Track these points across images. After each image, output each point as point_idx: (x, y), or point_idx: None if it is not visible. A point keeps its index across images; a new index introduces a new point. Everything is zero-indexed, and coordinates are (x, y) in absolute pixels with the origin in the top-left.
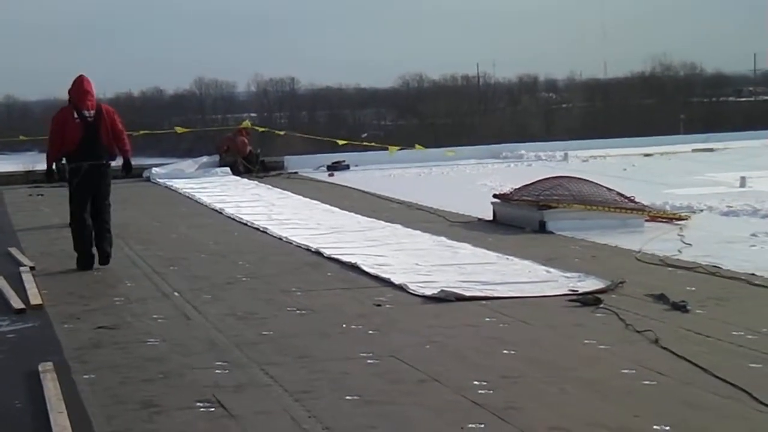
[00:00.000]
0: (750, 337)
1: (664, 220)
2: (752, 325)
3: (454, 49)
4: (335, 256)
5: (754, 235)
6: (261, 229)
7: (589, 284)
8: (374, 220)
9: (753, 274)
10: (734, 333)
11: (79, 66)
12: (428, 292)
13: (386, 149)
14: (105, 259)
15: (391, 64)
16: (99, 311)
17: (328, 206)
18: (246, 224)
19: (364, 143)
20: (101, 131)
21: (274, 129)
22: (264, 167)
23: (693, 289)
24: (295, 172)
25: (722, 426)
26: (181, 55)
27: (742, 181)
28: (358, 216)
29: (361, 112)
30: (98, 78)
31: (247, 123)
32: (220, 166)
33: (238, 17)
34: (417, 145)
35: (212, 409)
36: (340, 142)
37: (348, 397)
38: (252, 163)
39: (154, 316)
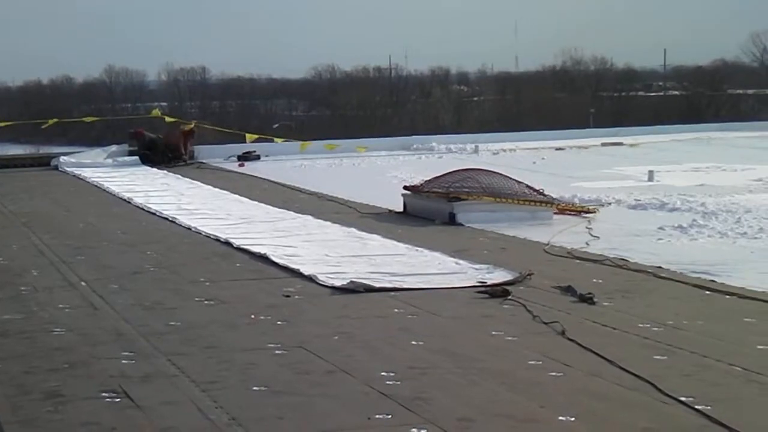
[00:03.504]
0: (655, 329)
1: (572, 212)
2: (658, 317)
3: (366, 41)
4: (244, 247)
5: (661, 228)
6: (170, 218)
7: (497, 276)
8: (284, 210)
9: (659, 267)
10: (640, 325)
11: None
12: (337, 283)
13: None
14: None
15: (303, 54)
16: (5, 300)
17: (237, 196)
18: (154, 214)
19: (275, 138)
20: None
21: (184, 119)
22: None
23: (600, 281)
24: (205, 162)
25: (627, 416)
26: (90, 43)
27: (650, 175)
28: (268, 206)
29: (272, 102)
30: (5, 66)
31: (156, 112)
32: (148, 141)
33: (148, 5)
34: (327, 144)
35: (118, 400)
36: (250, 138)
37: (255, 388)
38: (166, 154)
39: (61, 306)
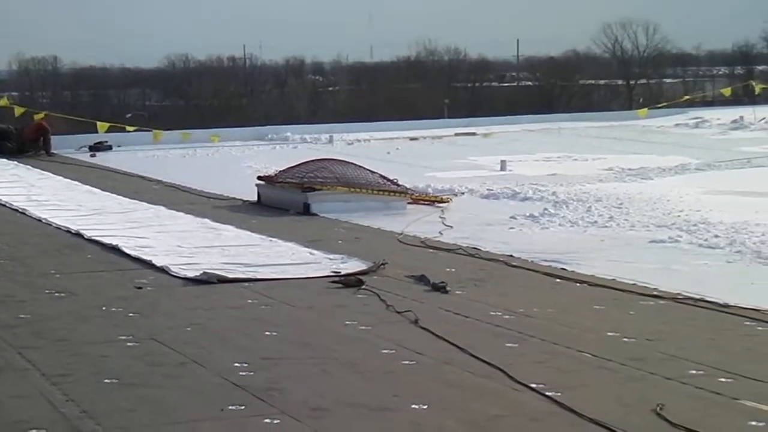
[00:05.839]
0: (507, 317)
1: (426, 202)
2: (509, 305)
3: (220, 30)
4: (96, 238)
5: (513, 217)
6: (20, 210)
7: (351, 266)
8: (137, 201)
9: (511, 256)
10: (492, 313)
11: None
12: (190, 274)
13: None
14: None
15: (156, 43)
16: None
17: (89, 187)
18: (4, 205)
19: (127, 127)
20: None
21: (35, 109)
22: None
23: (453, 270)
24: (56, 153)
25: (479, 403)
26: None
27: (503, 165)
28: (120, 197)
29: (125, 92)
30: None
31: (5, 101)
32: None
33: None
34: (183, 134)
35: None
36: (102, 127)
37: (107, 381)
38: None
39: None
